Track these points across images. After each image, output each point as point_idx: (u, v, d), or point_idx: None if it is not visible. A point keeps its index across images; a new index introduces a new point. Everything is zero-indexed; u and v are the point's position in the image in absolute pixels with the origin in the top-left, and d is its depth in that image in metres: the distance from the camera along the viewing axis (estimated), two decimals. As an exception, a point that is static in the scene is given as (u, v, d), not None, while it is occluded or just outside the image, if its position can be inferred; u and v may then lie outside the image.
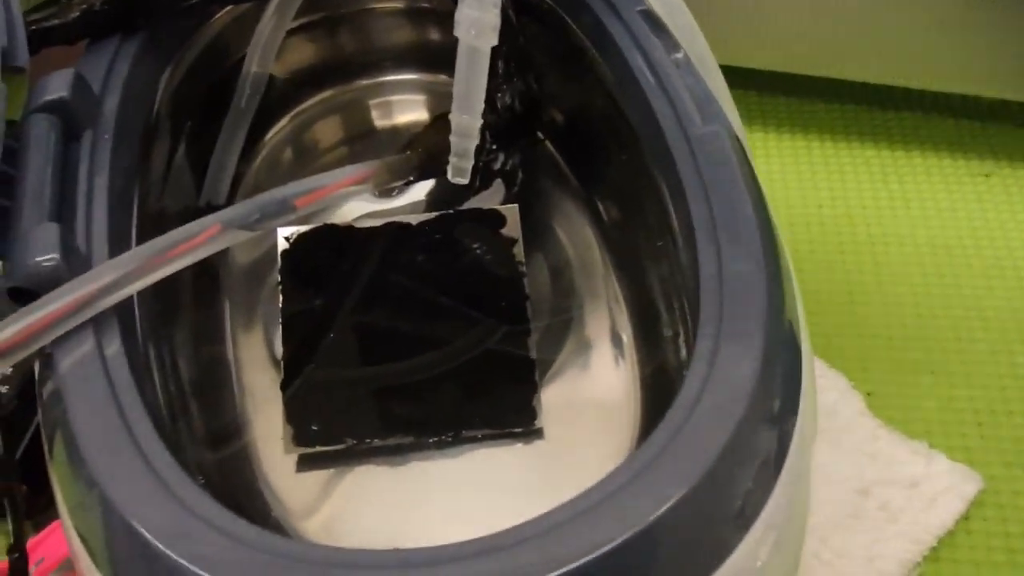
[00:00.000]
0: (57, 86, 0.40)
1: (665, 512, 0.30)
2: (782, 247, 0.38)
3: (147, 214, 0.44)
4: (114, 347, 0.35)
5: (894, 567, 0.58)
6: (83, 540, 0.34)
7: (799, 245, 0.78)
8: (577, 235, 0.52)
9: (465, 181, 0.46)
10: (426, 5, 0.58)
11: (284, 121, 0.57)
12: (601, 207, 0.52)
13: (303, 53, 0.57)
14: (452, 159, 0.45)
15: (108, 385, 0.34)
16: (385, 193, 0.52)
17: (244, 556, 0.30)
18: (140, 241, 0.40)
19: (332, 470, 0.44)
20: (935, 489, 0.62)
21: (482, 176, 0.50)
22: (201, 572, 0.29)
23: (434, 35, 0.58)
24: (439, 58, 0.57)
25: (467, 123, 0.43)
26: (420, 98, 0.59)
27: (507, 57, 0.50)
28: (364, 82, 0.59)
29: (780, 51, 0.83)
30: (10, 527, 0.44)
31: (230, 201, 0.52)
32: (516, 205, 0.51)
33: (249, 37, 0.50)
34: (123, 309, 0.37)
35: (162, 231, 0.39)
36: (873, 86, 0.87)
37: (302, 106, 0.58)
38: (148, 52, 0.46)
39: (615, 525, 0.29)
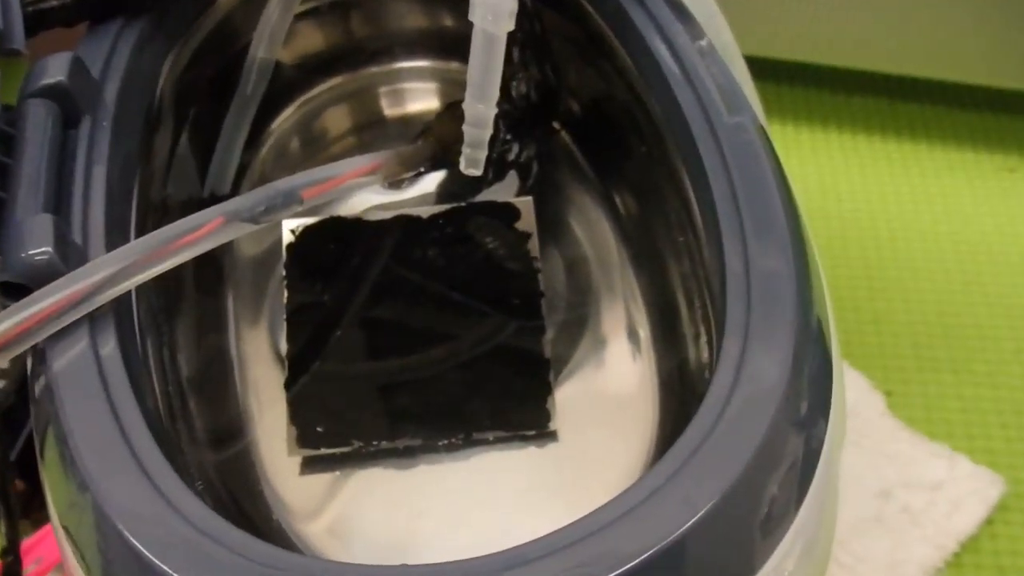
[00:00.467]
0: (54, 70, 0.39)
1: (693, 525, 0.28)
2: (811, 244, 0.37)
3: (148, 205, 0.43)
4: (110, 345, 0.34)
5: (916, 573, 0.57)
6: (73, 544, 0.32)
7: (817, 240, 0.76)
8: (594, 230, 0.50)
9: (478, 172, 0.44)
10: (440, -11, 0.56)
11: (291, 109, 0.56)
12: (619, 201, 0.50)
13: (312, 38, 0.56)
14: (465, 150, 0.43)
15: (102, 385, 0.33)
16: (395, 185, 0.51)
17: (240, 569, 0.28)
18: (140, 234, 0.39)
19: (337, 472, 0.43)
20: (958, 492, 0.61)
21: (495, 168, 0.49)
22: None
23: (448, 20, 0.56)
24: (453, 45, 0.55)
25: (481, 112, 0.42)
26: (433, 86, 0.57)
27: (522, 44, 0.49)
28: (375, 69, 0.57)
29: (798, 40, 0.81)
30: (4, 528, 0.42)
31: (235, 192, 0.51)
32: (531, 198, 0.49)
33: (256, 22, 0.49)
34: (121, 305, 0.36)
35: (164, 223, 0.37)
36: (895, 77, 0.85)
37: (310, 94, 0.56)
38: (151, 36, 0.44)
39: (640, 539, 0.28)
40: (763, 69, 0.87)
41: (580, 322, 0.47)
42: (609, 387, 0.45)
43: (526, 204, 0.49)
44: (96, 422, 0.32)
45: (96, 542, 0.31)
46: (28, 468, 0.45)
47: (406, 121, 0.56)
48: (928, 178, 0.81)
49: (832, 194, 0.80)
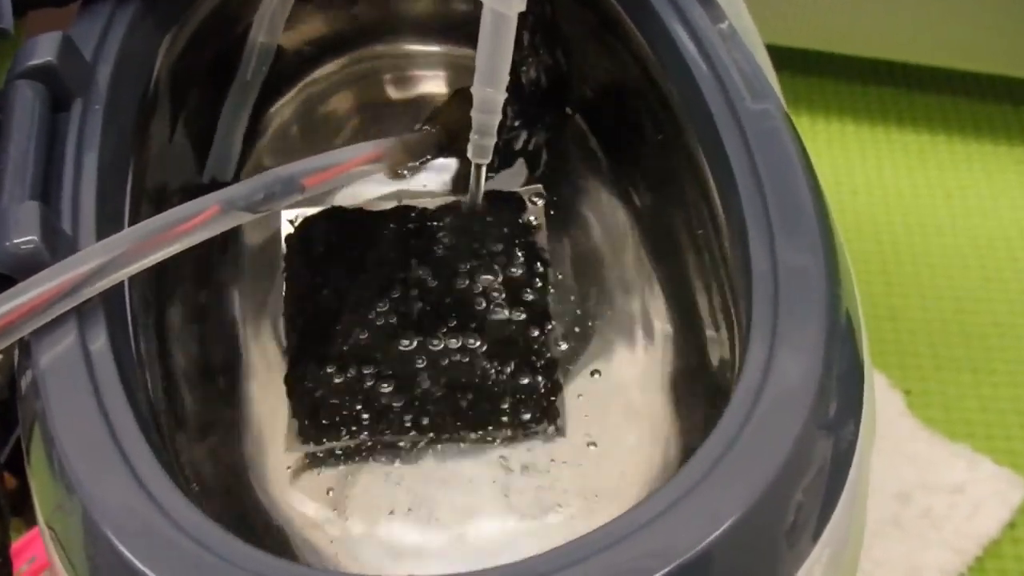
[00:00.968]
0: (44, 50, 0.37)
1: (717, 538, 0.26)
2: (840, 240, 0.35)
3: (142, 195, 0.41)
4: (100, 340, 0.32)
5: (937, 578, 0.55)
6: (60, 547, 0.31)
7: (832, 234, 0.75)
8: (606, 221, 0.49)
9: (487, 160, 0.43)
10: (447, -30, 0.55)
11: (293, 95, 0.54)
12: (633, 191, 0.49)
13: (314, 22, 0.54)
14: (473, 136, 0.42)
15: (91, 382, 0.31)
16: (399, 173, 0.49)
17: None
18: (133, 223, 0.37)
19: (338, 469, 0.41)
20: (979, 495, 0.59)
21: (504, 156, 0.47)
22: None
23: (456, 3, 0.54)
24: (461, 29, 0.54)
25: (491, 97, 0.40)
26: (440, 72, 0.55)
27: (532, 28, 0.47)
28: (380, 54, 0.55)
29: (812, 28, 0.80)
30: None
31: (235, 181, 0.49)
32: (540, 187, 0.48)
33: (256, 4, 0.47)
34: (112, 297, 0.34)
35: (158, 213, 0.35)
36: (912, 66, 0.84)
37: (312, 79, 0.54)
38: (146, 17, 0.43)
39: (661, 552, 0.26)
40: (776, 57, 0.85)
41: (591, 317, 0.45)
42: (622, 385, 0.44)
43: (536, 193, 0.47)
44: (84, 421, 0.31)
45: (83, 547, 0.30)
46: (22, 464, 0.44)
47: (412, 108, 0.54)
48: (946, 171, 0.79)
49: (847, 187, 0.79)
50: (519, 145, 0.48)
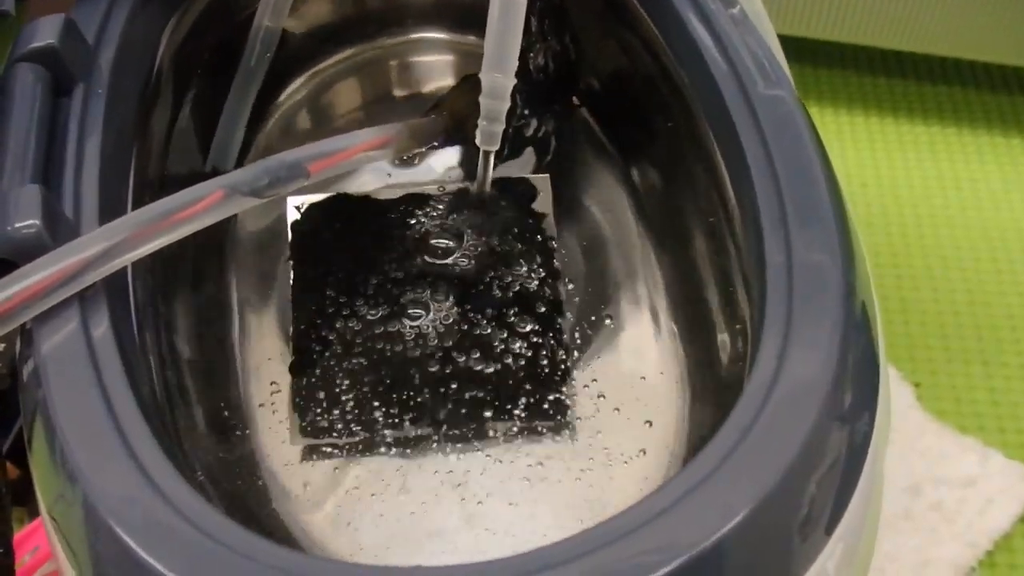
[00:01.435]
0: (45, 32, 0.36)
1: (730, 531, 0.26)
2: (855, 229, 0.34)
3: (145, 180, 0.40)
4: (102, 326, 0.32)
5: (948, 572, 0.55)
6: (62, 536, 0.31)
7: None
8: (615, 209, 0.48)
9: (495, 147, 0.42)
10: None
11: (299, 82, 0.53)
12: (641, 179, 0.48)
13: (320, 7, 0.53)
14: (481, 123, 0.41)
15: (93, 369, 0.31)
16: (406, 160, 0.49)
17: (239, 569, 0.26)
18: (136, 209, 0.37)
19: (342, 463, 0.41)
20: (991, 489, 0.59)
21: (512, 143, 0.47)
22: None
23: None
24: (469, 16, 0.53)
25: (499, 83, 0.40)
26: (448, 59, 0.55)
27: (541, 14, 0.47)
28: (387, 41, 0.55)
29: (822, 18, 0.79)
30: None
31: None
32: (548, 175, 0.47)
33: (262, -12, 0.47)
34: (115, 283, 0.34)
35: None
36: (922, 57, 0.83)
37: (319, 66, 0.54)
38: (150, 0, 0.42)
39: (672, 545, 0.25)
40: (784, 48, 0.85)
41: (601, 308, 0.45)
42: (631, 375, 0.43)
43: (543, 181, 0.47)
44: (87, 409, 0.30)
45: (85, 537, 0.29)
46: (25, 454, 0.44)
47: (420, 95, 0.54)
48: (957, 163, 0.78)
49: (857, 179, 0.78)
50: (528, 133, 0.48)
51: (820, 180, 0.33)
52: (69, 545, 0.30)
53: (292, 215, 0.46)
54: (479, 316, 0.43)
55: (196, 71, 0.47)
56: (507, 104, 0.41)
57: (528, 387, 0.42)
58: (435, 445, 0.41)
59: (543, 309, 0.43)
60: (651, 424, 0.42)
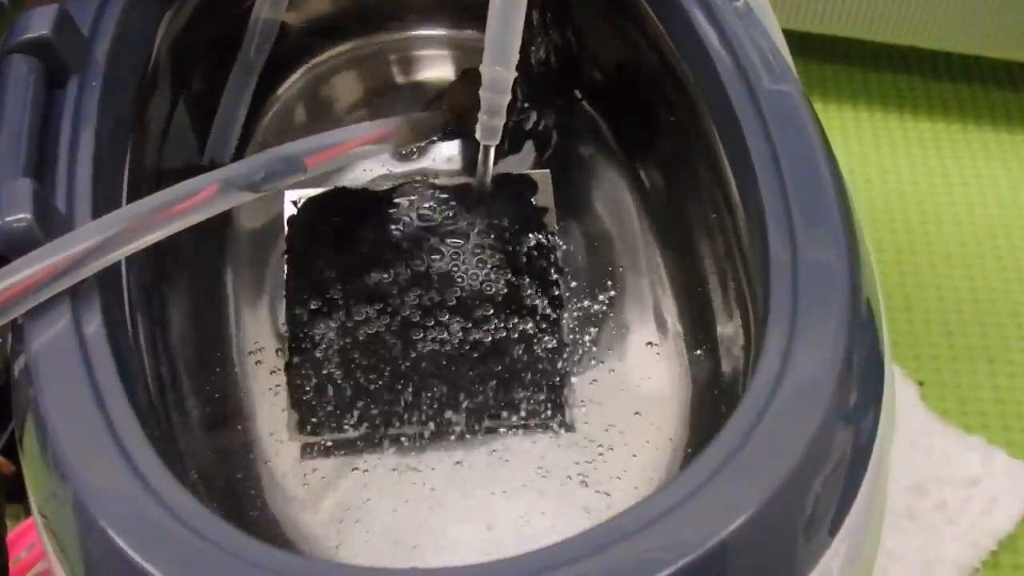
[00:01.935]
0: (39, 23, 0.36)
1: (735, 530, 0.25)
2: (860, 226, 0.34)
3: (141, 174, 0.40)
4: (94, 323, 0.31)
5: (951, 572, 0.54)
6: (52, 535, 0.30)
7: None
8: (617, 205, 0.47)
9: (495, 142, 0.42)
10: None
11: (298, 75, 0.53)
12: (644, 175, 0.48)
13: (319, 1, 0.53)
14: (482, 117, 0.41)
15: (85, 366, 0.30)
16: (405, 154, 0.48)
17: (226, 565, 0.26)
18: (130, 203, 0.36)
19: (340, 461, 0.40)
20: (994, 489, 0.58)
21: (512, 137, 0.46)
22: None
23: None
24: (469, 11, 0.53)
25: (500, 76, 0.39)
26: (447, 54, 0.54)
27: (542, 6, 0.46)
28: (387, 35, 0.54)
29: (827, 12, 0.78)
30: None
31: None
32: (549, 170, 0.47)
33: (260, -21, 0.46)
34: (108, 278, 0.33)
35: (157, 193, 0.34)
36: (928, 53, 0.82)
37: (318, 59, 0.53)
38: (147, -9, 0.42)
39: (676, 545, 0.25)
40: (790, 43, 0.84)
41: (600, 303, 0.44)
42: (632, 374, 0.43)
43: (544, 177, 0.46)
44: (78, 407, 0.30)
45: (76, 535, 0.29)
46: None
47: (419, 89, 0.53)
48: (962, 159, 0.77)
49: (861, 176, 0.77)
50: (528, 127, 0.47)
51: (825, 176, 0.33)
52: (60, 544, 0.30)
53: (289, 209, 0.45)
54: (478, 311, 0.43)
55: (194, 63, 0.46)
56: (508, 98, 0.40)
57: (528, 384, 0.41)
58: (432, 444, 0.40)
59: (544, 304, 0.43)
60: (654, 422, 0.41)
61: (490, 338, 0.42)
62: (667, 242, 0.45)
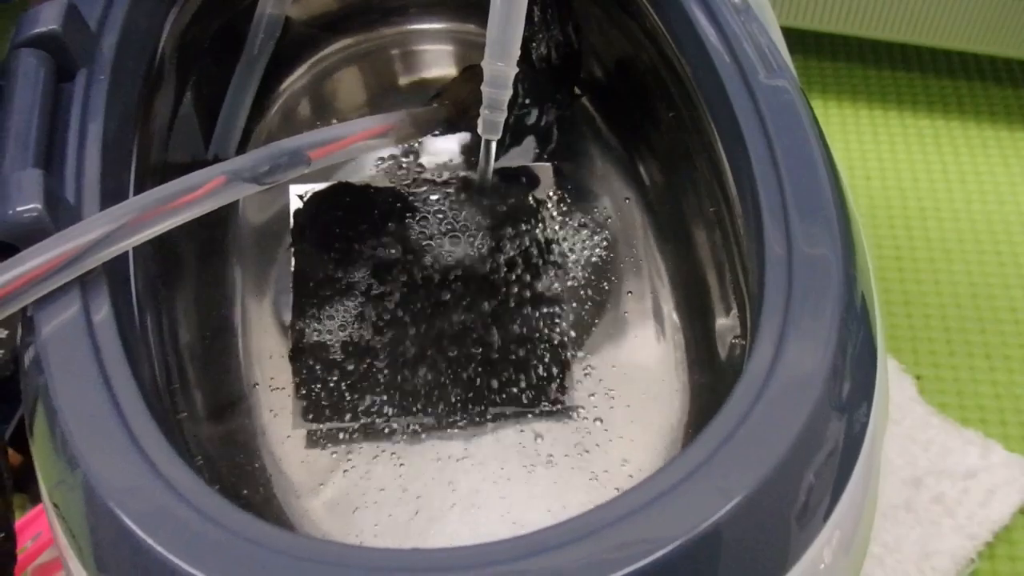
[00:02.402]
0: (47, 18, 0.36)
1: (726, 514, 0.26)
2: (856, 220, 0.34)
3: (147, 166, 0.40)
4: (103, 311, 0.32)
5: (948, 564, 0.55)
6: (63, 521, 0.30)
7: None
8: (616, 199, 0.48)
9: (496, 137, 0.42)
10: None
11: (301, 70, 0.53)
12: (643, 169, 0.48)
13: (324, -4, 0.53)
14: (483, 111, 0.41)
15: (94, 353, 0.31)
16: (408, 148, 0.48)
17: (235, 548, 0.26)
18: (137, 195, 0.37)
19: (343, 448, 0.41)
20: (992, 481, 0.58)
21: (514, 132, 0.47)
22: (187, 567, 0.26)
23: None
24: (471, 6, 0.53)
25: (501, 71, 0.39)
26: (450, 49, 0.55)
27: (543, 2, 0.47)
28: (390, 30, 0.55)
29: (826, 9, 0.78)
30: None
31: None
32: (550, 164, 0.47)
33: (265, -25, 0.47)
34: (116, 268, 0.34)
35: (163, 185, 0.35)
36: (928, 50, 0.82)
37: (321, 54, 0.54)
38: (153, -13, 0.42)
39: (669, 528, 0.25)
40: (788, 39, 0.84)
41: (601, 296, 0.45)
42: (631, 363, 0.43)
43: (545, 170, 0.46)
44: (87, 394, 0.30)
45: (86, 521, 0.29)
46: (27, 440, 0.44)
47: (422, 84, 0.53)
48: (961, 155, 0.78)
49: (860, 172, 0.77)
50: (530, 122, 0.48)
51: (821, 170, 0.33)
52: (70, 530, 0.30)
53: (295, 203, 0.46)
54: (481, 303, 0.43)
55: (199, 58, 0.47)
56: (509, 93, 0.40)
57: (529, 374, 0.42)
58: (436, 431, 0.41)
59: (544, 297, 0.43)
60: (653, 409, 0.42)
61: (493, 329, 0.43)
62: (665, 235, 0.46)
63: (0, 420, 0.52)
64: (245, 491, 0.39)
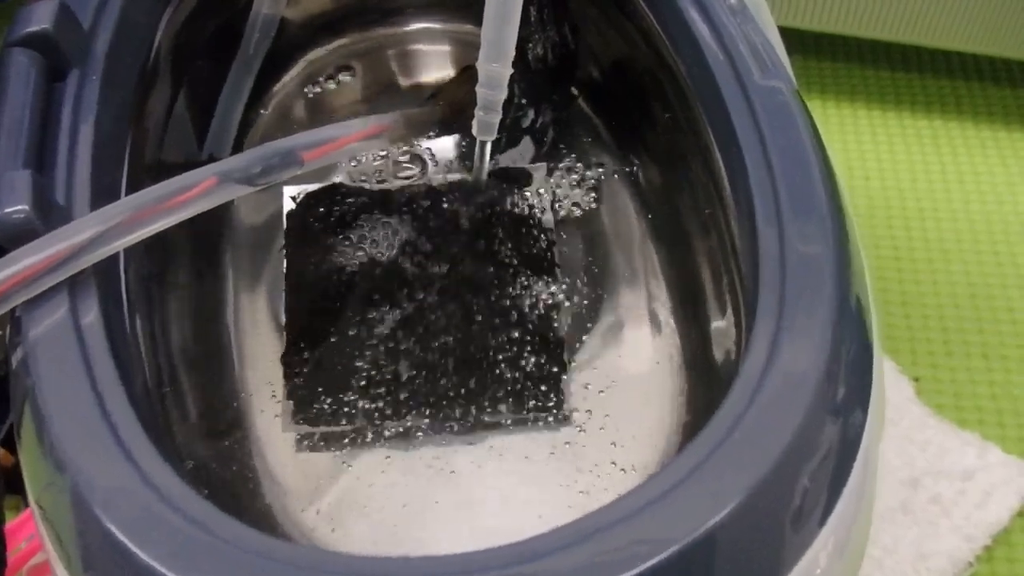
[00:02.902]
0: (40, 17, 0.36)
1: (721, 520, 0.26)
2: (851, 219, 0.34)
3: (140, 167, 0.40)
4: (92, 312, 0.32)
5: (946, 565, 0.54)
6: (50, 526, 0.30)
7: (843, 219, 0.74)
8: (612, 200, 0.48)
9: (491, 138, 0.42)
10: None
11: (297, 70, 0.53)
12: (640, 170, 0.48)
13: (318, -4, 0.53)
14: (478, 113, 0.41)
15: (82, 356, 0.30)
16: (402, 149, 0.48)
17: (222, 554, 0.26)
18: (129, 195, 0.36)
19: (336, 453, 0.40)
20: (989, 482, 0.58)
21: (510, 133, 0.46)
22: (172, 574, 0.26)
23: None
24: (467, 6, 0.53)
25: (496, 72, 0.39)
26: (445, 49, 0.54)
27: (540, 3, 0.46)
28: (385, 30, 0.54)
29: (825, 10, 0.78)
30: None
31: (234, 156, 0.48)
32: (545, 165, 0.47)
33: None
34: (106, 270, 0.34)
35: (155, 187, 0.35)
36: (926, 50, 0.82)
37: (316, 54, 0.53)
38: (147, -14, 0.42)
39: (663, 534, 0.25)
40: (787, 40, 0.84)
41: (597, 298, 0.45)
42: (628, 368, 0.43)
43: (540, 171, 0.46)
44: (75, 397, 0.30)
45: (73, 525, 0.29)
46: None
47: (417, 84, 0.53)
48: (960, 156, 0.78)
49: (859, 172, 0.77)
50: (526, 123, 0.47)
51: (815, 171, 0.33)
52: (57, 534, 0.30)
53: (288, 204, 0.45)
54: (475, 306, 0.43)
55: (194, 57, 0.47)
56: (504, 94, 0.40)
57: (524, 378, 0.42)
58: (430, 435, 0.41)
59: (540, 299, 0.43)
60: (649, 414, 0.41)
61: (488, 331, 0.42)
62: (661, 236, 0.46)
63: (-7, 421, 0.52)
64: (236, 495, 0.39)
